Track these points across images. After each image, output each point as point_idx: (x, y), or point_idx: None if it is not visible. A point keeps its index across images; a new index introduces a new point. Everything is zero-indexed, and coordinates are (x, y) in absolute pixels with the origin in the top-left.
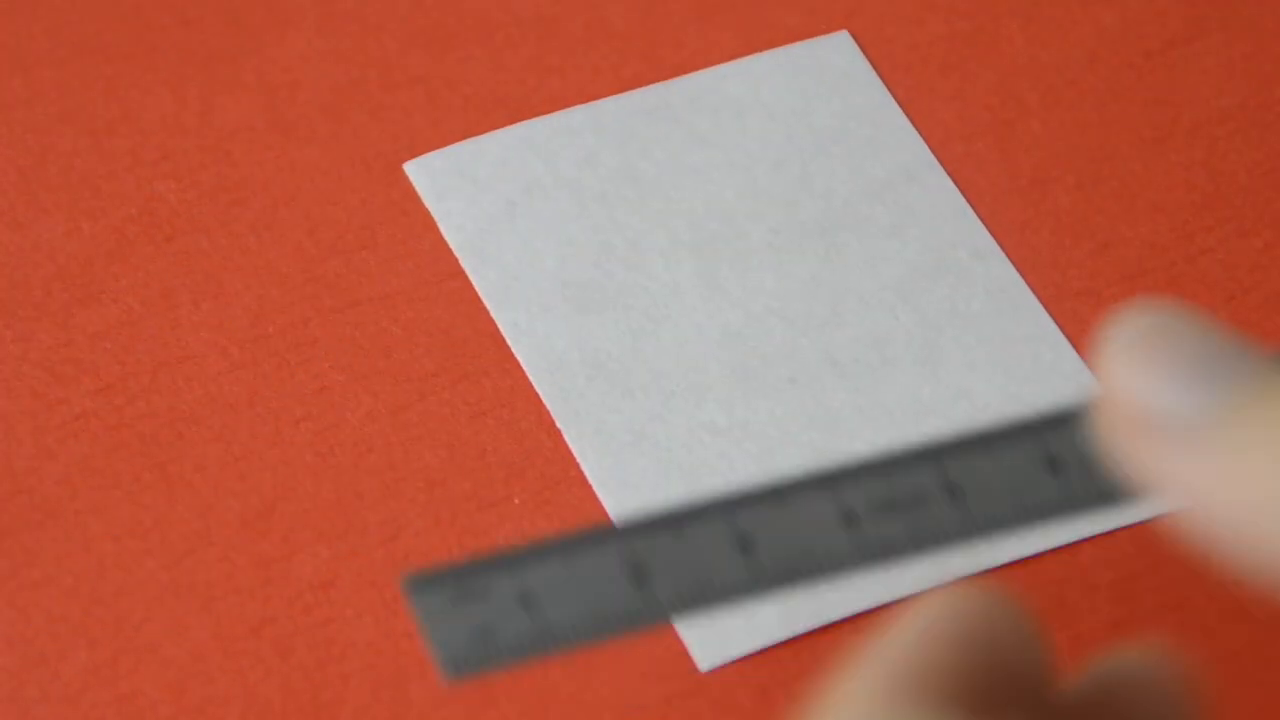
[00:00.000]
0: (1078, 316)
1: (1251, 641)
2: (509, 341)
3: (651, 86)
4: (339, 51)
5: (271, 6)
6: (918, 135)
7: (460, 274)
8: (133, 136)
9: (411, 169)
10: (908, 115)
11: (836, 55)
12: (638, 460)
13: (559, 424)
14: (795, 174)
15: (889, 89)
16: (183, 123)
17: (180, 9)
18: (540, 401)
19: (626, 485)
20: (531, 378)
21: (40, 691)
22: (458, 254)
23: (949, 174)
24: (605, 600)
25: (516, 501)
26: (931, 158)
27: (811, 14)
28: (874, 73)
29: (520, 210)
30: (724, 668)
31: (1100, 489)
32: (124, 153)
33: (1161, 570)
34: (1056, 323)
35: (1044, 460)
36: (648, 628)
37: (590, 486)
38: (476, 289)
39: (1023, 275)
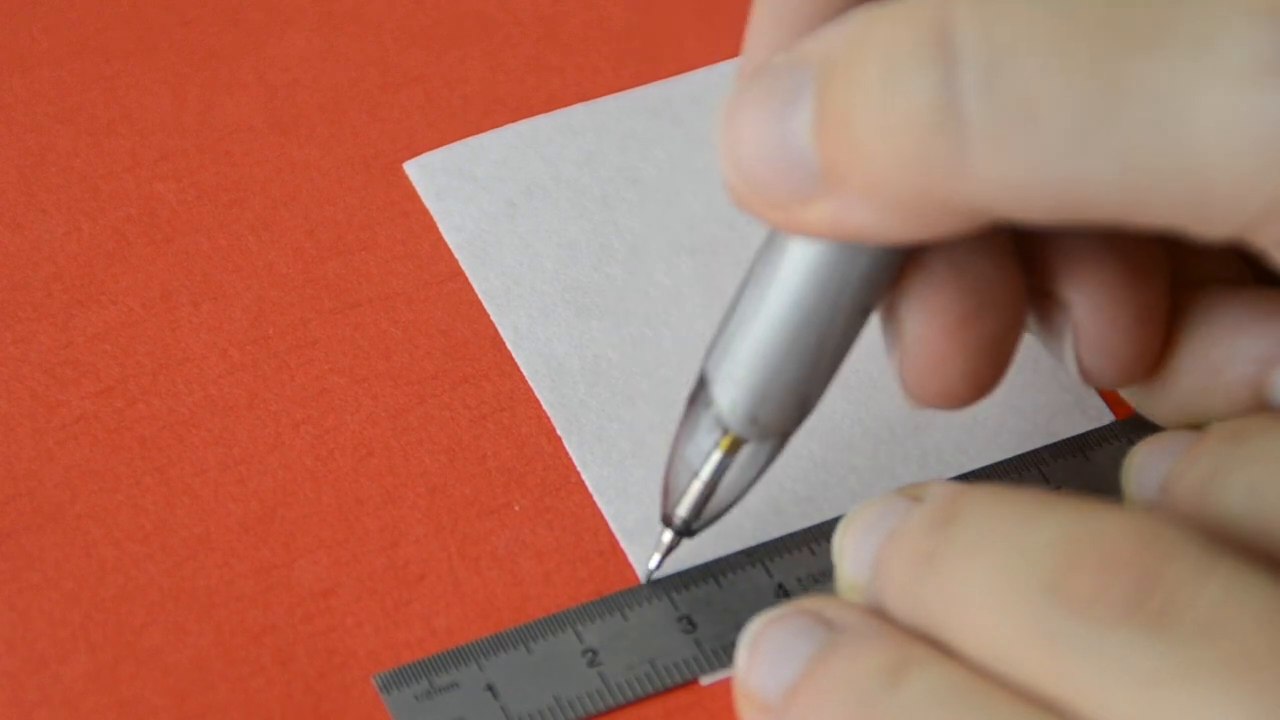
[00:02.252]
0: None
1: None
2: (509, 345)
3: (652, 85)
4: (338, 51)
5: (271, 6)
6: None
7: (460, 274)
8: (132, 136)
9: (411, 169)
10: None
11: None
12: (638, 470)
13: (559, 430)
14: None
15: None
16: (182, 122)
17: (180, 9)
18: (540, 406)
19: (626, 494)
20: (531, 383)
21: (41, 695)
22: (457, 254)
23: None
24: (566, 683)
25: (517, 508)
26: None
27: None
28: None
29: (520, 211)
30: (725, 681)
31: None
32: (123, 153)
33: None
34: None
35: None
36: (607, 708)
37: (590, 494)
38: (476, 291)
39: None
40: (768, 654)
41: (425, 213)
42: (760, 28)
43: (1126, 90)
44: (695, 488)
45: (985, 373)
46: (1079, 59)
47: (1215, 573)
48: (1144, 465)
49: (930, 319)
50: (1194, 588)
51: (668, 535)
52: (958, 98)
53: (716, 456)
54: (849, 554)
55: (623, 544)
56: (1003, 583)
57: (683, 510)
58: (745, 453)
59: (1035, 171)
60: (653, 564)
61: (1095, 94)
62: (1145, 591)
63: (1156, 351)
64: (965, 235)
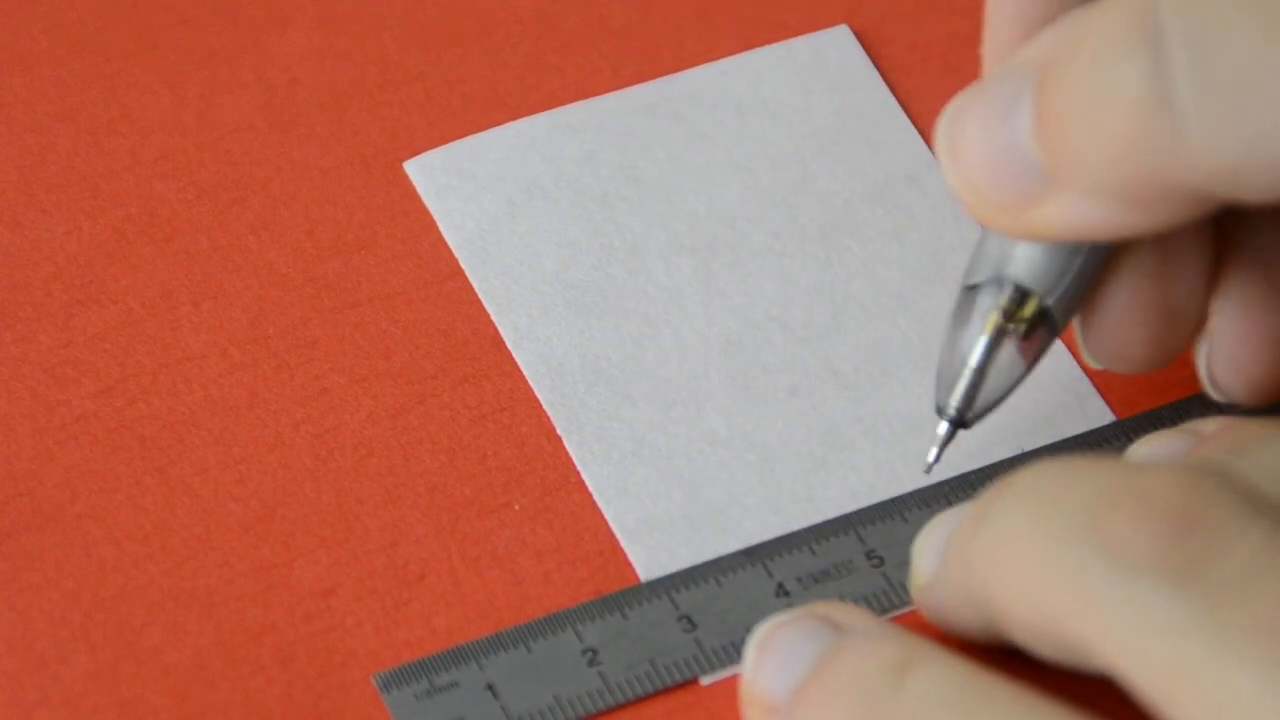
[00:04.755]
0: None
1: None
2: (509, 345)
3: (651, 82)
4: (338, 49)
5: (270, 5)
6: (917, 134)
7: (460, 274)
8: (132, 136)
9: (411, 167)
10: (907, 114)
11: (836, 50)
12: (638, 469)
13: (559, 430)
14: (796, 174)
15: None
16: (182, 122)
17: (179, 8)
18: (540, 406)
19: (626, 494)
20: (531, 382)
21: (41, 695)
22: (457, 254)
23: None
24: (566, 682)
25: (516, 508)
26: (931, 158)
27: (810, 13)
28: (873, 68)
29: (520, 210)
30: (725, 681)
31: None
32: (123, 152)
33: None
34: None
35: None
36: (607, 707)
37: (590, 494)
38: (476, 290)
39: None
40: (776, 655)
41: (425, 212)
42: (992, 44)
43: None
44: (965, 375)
45: (1168, 347)
46: None
47: (1254, 528)
48: None
49: (1128, 305)
50: (1231, 539)
51: (943, 427)
52: (1169, 81)
53: (983, 342)
54: (925, 551)
55: (623, 544)
56: (1042, 525)
57: (955, 400)
58: (1012, 344)
59: (1255, 146)
60: (931, 457)
61: None
62: (1182, 535)
63: None
64: (1189, 222)
